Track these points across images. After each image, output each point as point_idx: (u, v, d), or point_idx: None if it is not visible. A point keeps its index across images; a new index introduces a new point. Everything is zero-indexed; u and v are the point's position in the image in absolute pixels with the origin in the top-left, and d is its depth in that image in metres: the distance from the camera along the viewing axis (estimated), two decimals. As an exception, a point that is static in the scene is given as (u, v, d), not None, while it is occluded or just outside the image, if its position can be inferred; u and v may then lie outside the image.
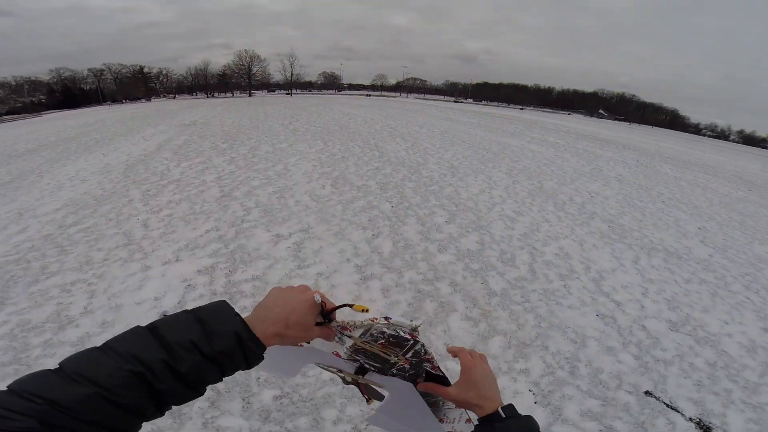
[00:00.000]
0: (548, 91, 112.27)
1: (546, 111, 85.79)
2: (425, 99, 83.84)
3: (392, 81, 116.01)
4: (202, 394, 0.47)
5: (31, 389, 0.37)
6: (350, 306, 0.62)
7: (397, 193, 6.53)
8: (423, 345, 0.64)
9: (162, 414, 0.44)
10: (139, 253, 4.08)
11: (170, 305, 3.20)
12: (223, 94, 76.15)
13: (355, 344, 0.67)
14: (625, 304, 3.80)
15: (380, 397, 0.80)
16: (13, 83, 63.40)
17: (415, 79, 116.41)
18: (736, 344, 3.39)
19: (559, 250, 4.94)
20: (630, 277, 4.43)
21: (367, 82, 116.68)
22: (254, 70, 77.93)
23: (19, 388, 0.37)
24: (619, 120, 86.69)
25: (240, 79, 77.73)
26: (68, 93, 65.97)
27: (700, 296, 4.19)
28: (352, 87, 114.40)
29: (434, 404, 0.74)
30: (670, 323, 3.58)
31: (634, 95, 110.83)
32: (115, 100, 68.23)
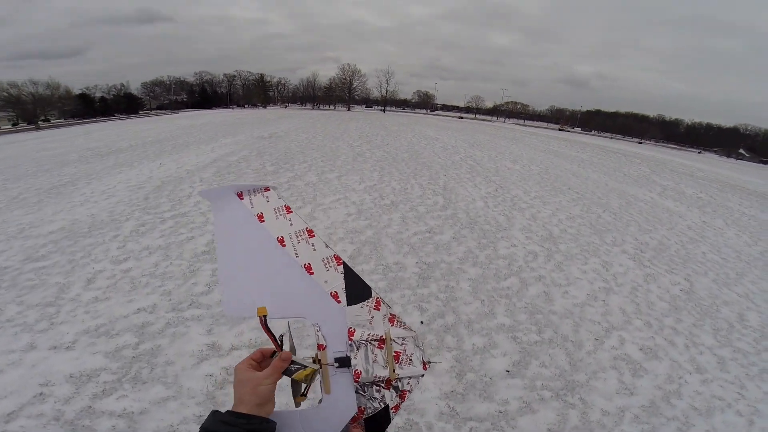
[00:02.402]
0: (675, 123, 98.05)
1: (670, 146, 75.02)
2: (525, 125, 77.49)
3: (489, 104, 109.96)
4: None
5: None
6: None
7: (445, 289, 4.26)
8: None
9: None
10: (45, 321, 3.23)
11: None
12: (327, 107, 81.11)
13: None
14: None
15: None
16: (168, 82, 76.23)
17: (516, 102, 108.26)
18: None
19: None
20: None
21: (461, 104, 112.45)
22: (354, 84, 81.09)
23: None
24: (765, 163, 68.63)
25: (342, 93, 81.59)
26: (204, 94, 76.76)
27: None
28: (445, 108, 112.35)
29: None
30: None
31: None
32: (238, 104, 77.69)
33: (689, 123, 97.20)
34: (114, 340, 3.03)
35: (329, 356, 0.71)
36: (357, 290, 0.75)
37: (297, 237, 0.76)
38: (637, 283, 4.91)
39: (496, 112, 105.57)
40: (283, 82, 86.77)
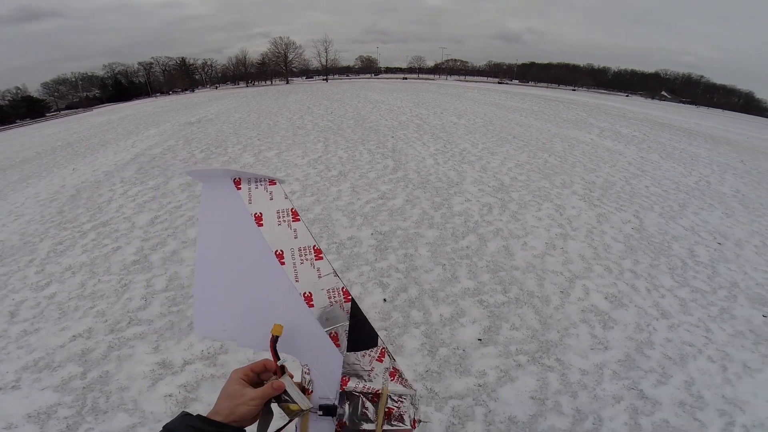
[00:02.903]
0: (603, 71, 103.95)
1: (600, 92, 78.75)
2: (466, 81, 78.24)
3: (431, 63, 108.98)
4: None
5: None
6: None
7: (404, 259, 3.97)
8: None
9: None
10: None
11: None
12: (263, 83, 76.15)
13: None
14: None
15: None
16: (72, 79, 66.67)
17: (455, 60, 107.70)
18: None
19: (697, 399, 2.31)
20: None
21: (404, 65, 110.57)
22: (290, 57, 76.42)
23: None
24: (685, 103, 76.43)
25: (278, 67, 76.77)
26: (119, 87, 68.39)
27: None
28: (389, 70, 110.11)
29: None
30: None
31: (702, 76, 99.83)
32: (162, 92, 70.36)
33: (616, 70, 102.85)
34: (58, 372, 2.73)
35: (314, 402, 0.63)
36: (362, 336, 0.65)
37: (301, 255, 0.65)
38: (591, 225, 4.93)
39: (438, 70, 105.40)
40: (209, 63, 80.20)
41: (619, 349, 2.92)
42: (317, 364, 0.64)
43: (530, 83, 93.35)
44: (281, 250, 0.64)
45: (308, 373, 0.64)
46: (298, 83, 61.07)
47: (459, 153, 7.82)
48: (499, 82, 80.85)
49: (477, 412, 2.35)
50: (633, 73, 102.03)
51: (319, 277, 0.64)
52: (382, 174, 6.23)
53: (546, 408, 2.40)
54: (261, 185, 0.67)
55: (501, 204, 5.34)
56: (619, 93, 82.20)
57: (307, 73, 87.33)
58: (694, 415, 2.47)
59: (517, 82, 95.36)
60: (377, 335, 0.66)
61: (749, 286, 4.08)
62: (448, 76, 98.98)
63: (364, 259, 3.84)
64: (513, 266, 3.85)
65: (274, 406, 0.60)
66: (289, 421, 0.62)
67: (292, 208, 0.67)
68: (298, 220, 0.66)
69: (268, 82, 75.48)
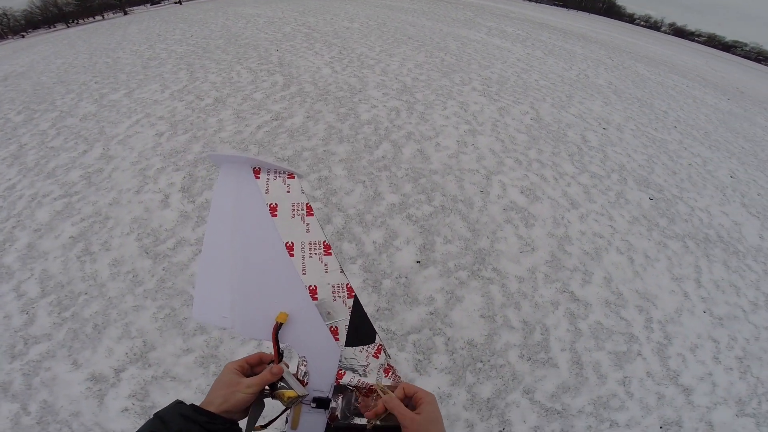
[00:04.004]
0: None
1: None
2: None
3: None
4: None
5: None
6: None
7: (319, 183, 3.46)
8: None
9: None
10: None
11: None
12: (90, 19, 59.14)
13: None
14: None
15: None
16: None
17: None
18: None
19: (618, 296, 2.75)
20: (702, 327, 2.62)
21: None
22: (122, -22, 59.58)
23: None
24: (558, 5, 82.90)
25: (106, -3, 59.81)
26: None
27: None
28: None
29: None
30: None
31: None
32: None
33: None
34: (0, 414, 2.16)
35: (308, 394, 0.61)
36: (361, 331, 0.65)
37: (310, 249, 0.66)
38: (495, 119, 4.91)
39: None
40: (4, 11, 58.76)
41: (545, 248, 3.00)
42: (314, 356, 0.63)
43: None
44: (292, 242, 0.65)
45: (305, 365, 0.63)
46: (141, 12, 48.55)
47: (357, 58, 7.02)
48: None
49: (437, 342, 2.29)
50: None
51: (326, 271, 0.64)
52: (270, 92, 5.23)
53: (497, 325, 2.41)
54: (280, 177, 0.68)
55: (408, 106, 4.96)
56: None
57: (151, -1, 69.90)
58: (619, 314, 2.69)
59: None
60: (375, 332, 0.65)
61: (634, 168, 4.57)
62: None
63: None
64: (431, 170, 3.63)
65: (267, 401, 0.59)
66: (283, 412, 0.60)
67: (307, 203, 0.68)
68: (312, 215, 0.67)
69: (99, 18, 58.88)
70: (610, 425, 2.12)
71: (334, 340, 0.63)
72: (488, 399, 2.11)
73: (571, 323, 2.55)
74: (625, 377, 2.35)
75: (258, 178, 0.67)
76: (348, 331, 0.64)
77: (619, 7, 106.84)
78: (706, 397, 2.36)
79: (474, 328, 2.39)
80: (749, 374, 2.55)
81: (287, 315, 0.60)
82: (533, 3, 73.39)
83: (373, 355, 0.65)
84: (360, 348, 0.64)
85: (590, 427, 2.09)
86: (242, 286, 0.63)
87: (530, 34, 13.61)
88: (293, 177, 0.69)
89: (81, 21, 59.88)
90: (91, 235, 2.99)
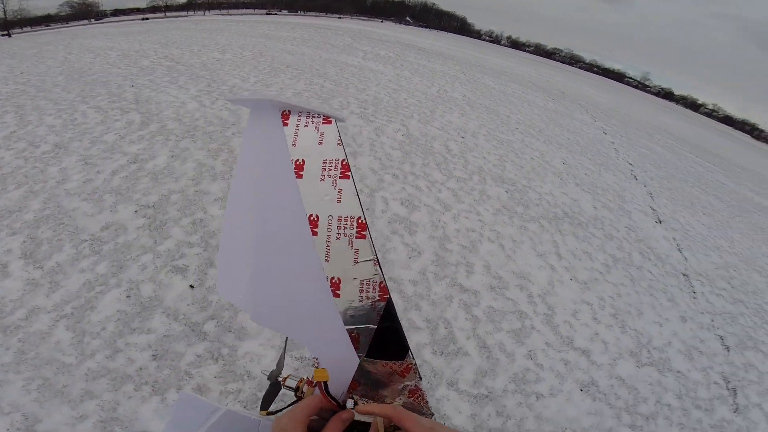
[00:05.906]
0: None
1: (362, 18, 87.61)
2: (230, 15, 69.04)
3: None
4: None
5: None
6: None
7: (193, 228, 3.28)
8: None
9: None
10: None
11: None
12: None
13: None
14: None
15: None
16: None
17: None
18: None
19: (499, 280, 3.10)
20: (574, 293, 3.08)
21: (144, 4, 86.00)
22: None
23: None
24: (422, 27, 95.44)
25: None
26: None
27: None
28: (121, 12, 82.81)
29: None
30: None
31: (434, 3, 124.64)
32: None
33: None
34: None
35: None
36: (389, 344, 0.52)
37: (339, 228, 0.50)
38: (372, 139, 5.29)
39: (193, 6, 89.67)
40: None
41: (429, 251, 3.32)
42: (328, 361, 0.54)
43: (299, 12, 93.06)
44: (317, 216, 0.50)
45: (317, 366, 0.55)
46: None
47: (229, 90, 6.75)
48: (267, 14, 76.44)
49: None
50: (386, 1, 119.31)
51: (356, 261, 0.50)
52: (125, 133, 4.68)
53: (404, 328, 2.56)
54: (313, 123, 0.54)
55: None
56: (375, 19, 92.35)
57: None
58: (504, 295, 3.13)
59: (286, 12, 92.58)
60: (408, 348, 0.54)
61: (490, 168, 5.40)
62: (207, 11, 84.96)
63: (139, 248, 2.89)
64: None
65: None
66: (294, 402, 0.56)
67: (343, 160, 0.53)
68: (348, 177, 0.52)
69: None
70: (537, 398, 2.38)
71: (352, 348, 0.52)
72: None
73: (468, 312, 2.86)
74: (529, 351, 2.69)
75: (286, 124, 0.54)
76: (373, 342, 0.52)
77: (470, 24, 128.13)
78: (603, 355, 2.81)
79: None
80: (627, 327, 3.15)
81: (326, 371, 0.47)
82: (402, 25, 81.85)
83: (399, 374, 0.54)
84: (384, 362, 0.53)
85: (520, 403, 2.33)
86: (255, 266, 0.53)
87: (399, 56, 15.03)
88: (330, 122, 0.55)
89: None
90: None
